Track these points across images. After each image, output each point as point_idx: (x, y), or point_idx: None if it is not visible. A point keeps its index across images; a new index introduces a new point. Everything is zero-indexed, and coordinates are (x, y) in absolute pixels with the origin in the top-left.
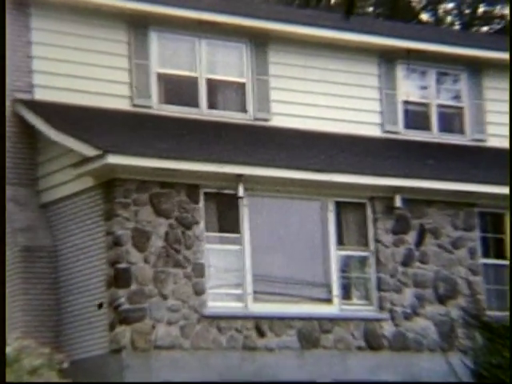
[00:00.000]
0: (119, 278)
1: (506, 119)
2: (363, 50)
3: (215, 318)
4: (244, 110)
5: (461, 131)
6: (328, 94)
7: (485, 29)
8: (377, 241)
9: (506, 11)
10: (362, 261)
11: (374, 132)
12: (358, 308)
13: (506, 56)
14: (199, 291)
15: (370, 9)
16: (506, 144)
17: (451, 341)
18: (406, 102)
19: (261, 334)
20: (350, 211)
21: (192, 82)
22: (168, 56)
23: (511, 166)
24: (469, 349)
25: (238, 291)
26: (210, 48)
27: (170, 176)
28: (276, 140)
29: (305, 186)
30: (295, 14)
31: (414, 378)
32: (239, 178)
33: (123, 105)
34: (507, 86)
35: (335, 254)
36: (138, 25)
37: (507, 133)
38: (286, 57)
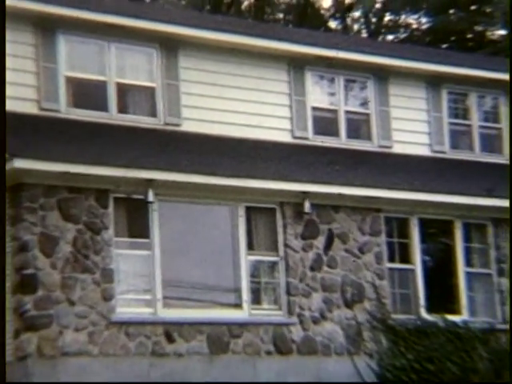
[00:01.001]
0: (25, 283)
1: (411, 126)
2: (273, 56)
3: (124, 324)
4: (154, 114)
5: (368, 137)
6: (239, 100)
7: (390, 37)
8: (286, 246)
9: (411, 20)
10: (272, 266)
11: (284, 138)
12: (268, 313)
13: (410, 64)
14: (108, 297)
15: (280, 15)
16: (410, 150)
17: (357, 344)
18: (315, 109)
19: (170, 339)
20: (260, 216)
21: (101, 86)
22: (77, 59)
23: (511, 172)
24: (374, 352)
25: (148, 297)
26: (120, 52)
27: (78, 181)
28: (186, 145)
29: (215, 191)
30: (206, 19)
31: (322, 382)
32: (149, 182)
33: (31, 108)
34: (412, 93)
35: (245, 259)
36: (46, 27)
37: (412, 139)
38: (197, 62)
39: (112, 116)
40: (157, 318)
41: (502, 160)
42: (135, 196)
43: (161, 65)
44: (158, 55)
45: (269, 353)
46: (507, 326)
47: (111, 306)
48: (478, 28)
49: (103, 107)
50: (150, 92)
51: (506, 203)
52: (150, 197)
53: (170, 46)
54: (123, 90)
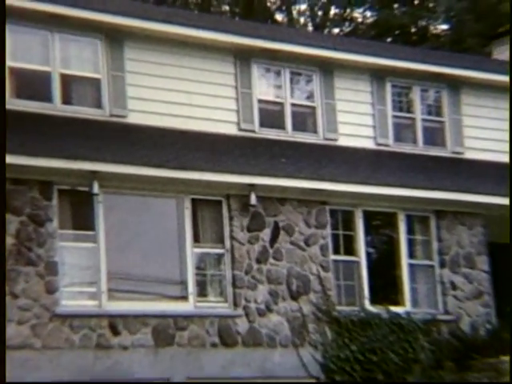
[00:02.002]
0: None
1: (356, 119)
2: (219, 48)
3: (68, 317)
4: (99, 106)
5: (313, 130)
6: (185, 92)
7: (336, 31)
8: (232, 238)
9: (356, 14)
10: (218, 258)
11: (231, 130)
12: (213, 305)
13: (355, 57)
14: (52, 290)
15: (226, 8)
16: (355, 143)
17: (303, 336)
18: (262, 101)
19: (115, 332)
20: (206, 208)
21: (45, 77)
22: (20, 50)
23: (511, 171)
24: (319, 343)
25: (93, 289)
26: (64, 42)
27: (21, 172)
28: (132, 137)
29: (161, 184)
30: (151, 10)
31: (267, 374)
32: (94, 174)
33: None
34: (356, 86)
35: (191, 252)
36: None
37: (356, 132)
38: (143, 53)
39: (56, 107)
40: (101, 310)
41: (445, 153)
42: (80, 188)
43: (106, 56)
44: (103, 46)
45: (214, 345)
46: (449, 317)
47: (55, 298)
48: (422, 22)
49: (47, 98)
50: (95, 83)
51: (447, 195)
52: (95, 189)
53: (116, 37)
54: (68, 81)
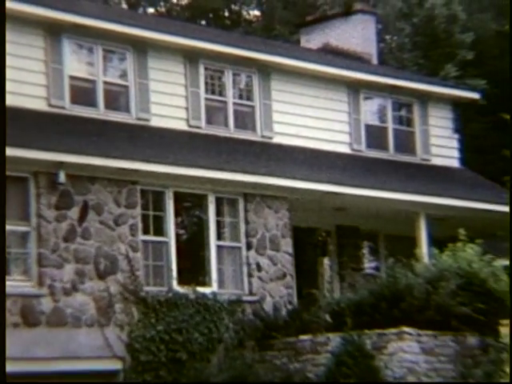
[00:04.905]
0: None
1: (169, 100)
2: (29, 21)
3: None
4: None
5: (126, 109)
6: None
7: (151, 10)
8: (39, 216)
9: None
10: (23, 236)
11: (40, 106)
12: (17, 284)
13: (168, 38)
14: None
15: None
16: (167, 124)
17: (109, 316)
18: (73, 78)
19: None
20: (12, 185)
21: None
22: None
23: None
24: (125, 323)
25: None
26: None
27: None
28: None
29: None
30: None
31: (71, 354)
32: None
33: None
34: (170, 67)
35: None
36: None
37: (170, 113)
38: None
39: None
40: None
41: (255, 137)
42: None
43: None
44: None
45: (16, 325)
46: (253, 298)
47: None
48: (235, 7)
49: None
50: None
51: (254, 178)
52: None
53: None
54: None
